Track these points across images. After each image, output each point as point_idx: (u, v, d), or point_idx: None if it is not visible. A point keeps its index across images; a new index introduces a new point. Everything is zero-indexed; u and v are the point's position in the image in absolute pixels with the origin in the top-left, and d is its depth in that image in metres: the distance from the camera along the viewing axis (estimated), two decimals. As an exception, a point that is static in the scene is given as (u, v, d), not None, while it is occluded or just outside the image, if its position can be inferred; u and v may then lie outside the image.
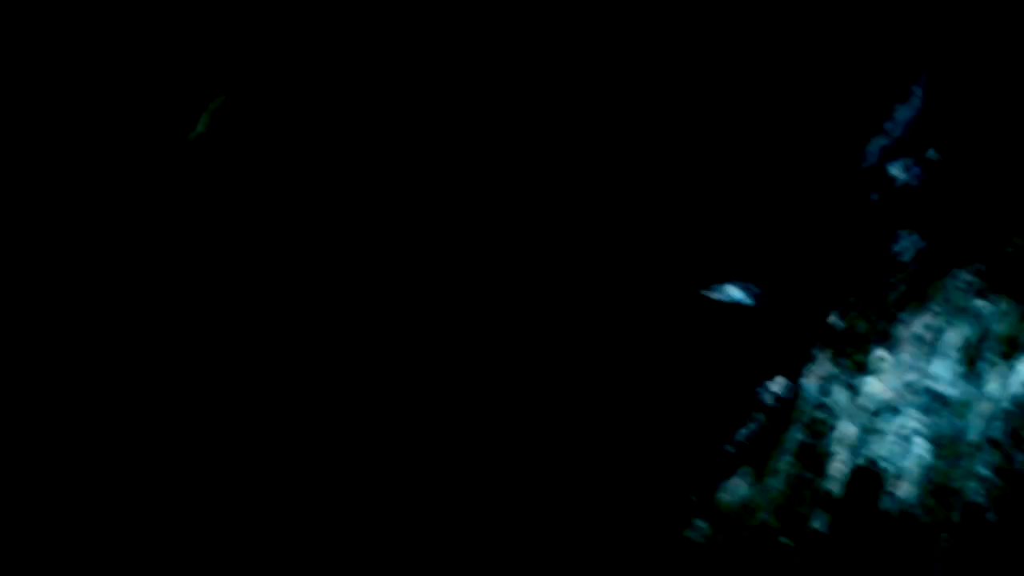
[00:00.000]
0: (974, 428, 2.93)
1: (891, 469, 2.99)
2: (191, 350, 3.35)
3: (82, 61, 3.27)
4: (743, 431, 3.24)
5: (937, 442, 2.96)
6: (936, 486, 2.92)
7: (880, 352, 3.14)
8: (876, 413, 3.07)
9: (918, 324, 3.12)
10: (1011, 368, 2.95)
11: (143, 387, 3.30)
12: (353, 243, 3.46)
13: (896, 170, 3.51)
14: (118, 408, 3.28)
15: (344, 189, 3.47)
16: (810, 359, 3.24)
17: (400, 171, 3.54)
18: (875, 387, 3.10)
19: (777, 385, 3.26)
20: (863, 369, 3.14)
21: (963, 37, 3.54)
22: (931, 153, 3.49)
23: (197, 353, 3.35)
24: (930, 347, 3.07)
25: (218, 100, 3.26)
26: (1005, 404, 2.92)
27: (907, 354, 3.09)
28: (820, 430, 3.12)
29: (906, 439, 3.00)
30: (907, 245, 3.36)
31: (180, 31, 3.30)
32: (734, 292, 3.55)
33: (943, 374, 3.02)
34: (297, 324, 3.39)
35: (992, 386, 2.95)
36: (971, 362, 3.00)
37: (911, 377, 3.06)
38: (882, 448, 3.02)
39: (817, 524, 3.02)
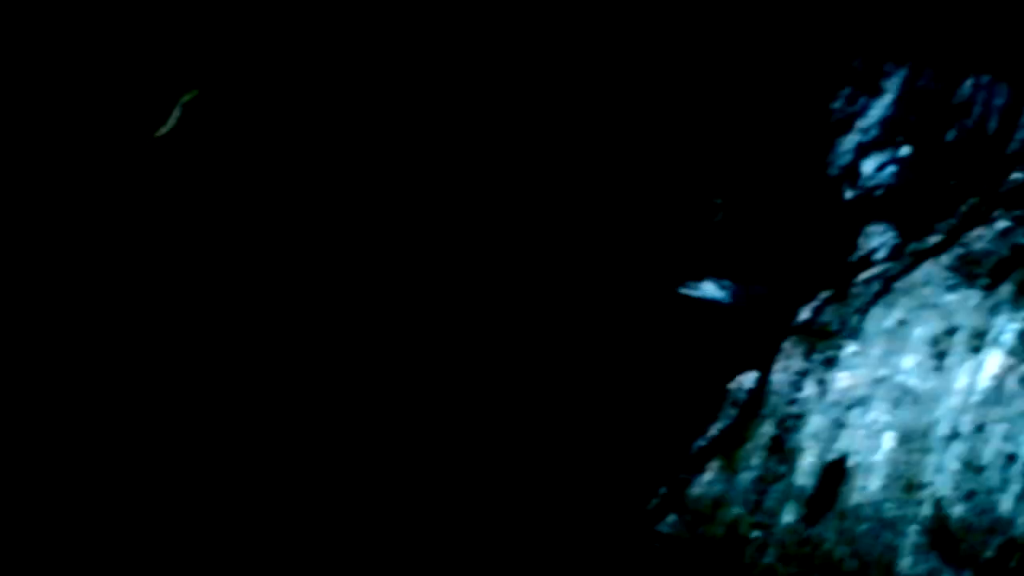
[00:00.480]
0: (943, 422, 2.94)
1: (861, 463, 3.00)
2: (169, 352, 3.35)
3: (41, 50, 3.24)
4: (714, 426, 3.25)
5: (907, 436, 2.97)
6: (906, 480, 2.93)
7: (851, 347, 3.15)
8: (846, 407, 3.08)
9: (888, 319, 3.13)
10: (979, 362, 2.96)
11: (116, 389, 3.30)
12: (332, 243, 3.46)
13: (869, 166, 3.53)
14: (94, 410, 3.27)
15: (324, 189, 3.47)
16: (781, 354, 3.25)
17: (381, 168, 3.54)
18: (845, 382, 3.11)
19: (748, 380, 3.27)
20: (833, 364, 3.15)
21: (936, 32, 3.56)
22: (904, 149, 3.50)
23: (174, 355, 3.34)
24: (900, 341, 3.09)
25: (191, 93, 3.24)
26: (974, 398, 2.93)
27: (877, 348, 3.10)
28: (791, 425, 3.13)
29: (876, 433, 3.02)
30: (879, 240, 3.37)
31: (150, 17, 3.27)
32: (711, 289, 3.56)
33: (913, 368, 3.04)
34: (276, 325, 3.39)
35: (961, 380, 2.97)
36: (940, 356, 3.01)
37: (881, 372, 3.07)
38: (852, 442, 3.03)
39: (788, 518, 3.03)
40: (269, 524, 3.17)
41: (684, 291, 3.58)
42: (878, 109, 3.59)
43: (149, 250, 3.28)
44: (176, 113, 3.18)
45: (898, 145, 3.52)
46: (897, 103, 3.57)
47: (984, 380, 2.93)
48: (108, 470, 3.18)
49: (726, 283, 3.56)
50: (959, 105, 3.49)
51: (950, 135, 3.47)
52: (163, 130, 3.17)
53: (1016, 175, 3.30)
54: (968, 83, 3.49)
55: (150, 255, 3.28)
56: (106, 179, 3.20)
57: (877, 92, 3.61)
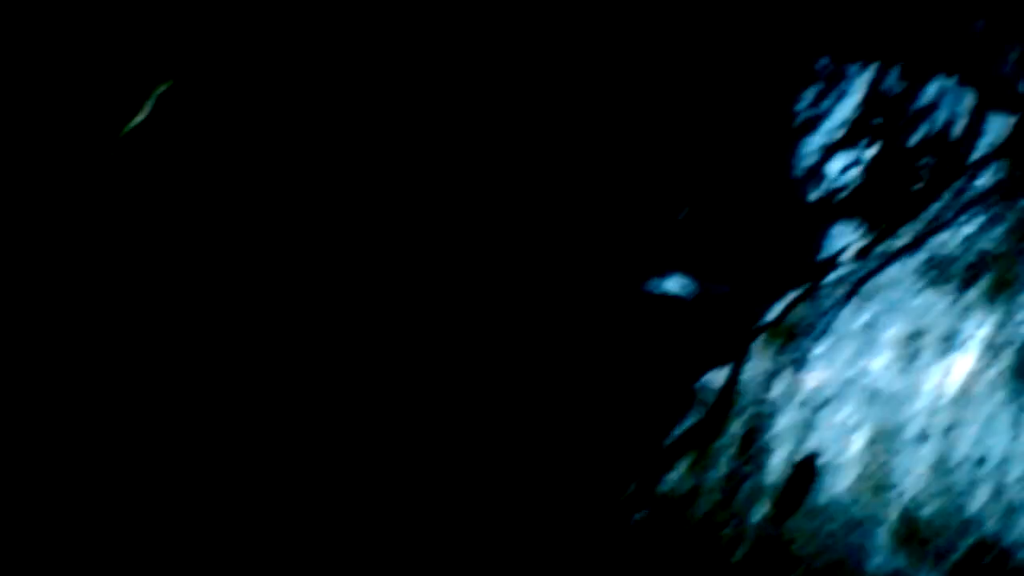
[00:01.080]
0: (913, 423, 2.98)
1: (831, 463, 3.03)
2: (161, 351, 3.31)
3: (10, 39, 3.17)
4: (684, 424, 3.27)
5: (876, 437, 3.01)
6: (875, 481, 2.97)
7: (819, 347, 3.18)
8: (816, 407, 3.11)
9: (857, 320, 3.17)
10: (948, 364, 3.00)
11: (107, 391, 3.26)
12: (307, 244, 3.43)
13: (834, 167, 3.56)
14: (94, 410, 3.23)
15: (300, 187, 3.44)
16: (751, 352, 3.27)
17: (357, 161, 3.52)
18: (815, 382, 3.14)
19: (718, 378, 3.29)
20: (803, 364, 3.18)
21: (903, 32, 3.59)
22: (869, 151, 3.53)
23: (167, 354, 3.31)
24: (869, 343, 3.12)
25: (165, 84, 3.19)
26: (943, 400, 2.97)
27: (846, 350, 3.13)
28: (760, 424, 3.15)
29: (845, 434, 3.05)
30: (845, 241, 3.41)
31: (125, 5, 3.20)
32: (674, 285, 3.57)
33: (882, 369, 3.07)
34: (271, 323, 3.36)
35: (930, 382, 3.00)
36: (910, 357, 3.05)
37: (850, 372, 3.10)
38: (822, 442, 3.06)
39: (757, 518, 3.06)
40: (269, 524, 3.15)
41: (648, 288, 3.60)
42: (843, 110, 3.62)
43: (136, 246, 3.24)
44: (149, 104, 3.13)
45: (863, 147, 3.55)
46: (862, 105, 3.60)
47: (953, 383, 2.97)
48: (108, 470, 3.14)
49: (688, 280, 3.58)
50: (924, 108, 3.53)
51: (915, 138, 3.51)
52: (136, 121, 3.12)
53: (980, 180, 3.34)
54: (934, 86, 3.53)
55: (138, 251, 3.24)
56: (84, 173, 3.15)
57: (842, 93, 3.64)
